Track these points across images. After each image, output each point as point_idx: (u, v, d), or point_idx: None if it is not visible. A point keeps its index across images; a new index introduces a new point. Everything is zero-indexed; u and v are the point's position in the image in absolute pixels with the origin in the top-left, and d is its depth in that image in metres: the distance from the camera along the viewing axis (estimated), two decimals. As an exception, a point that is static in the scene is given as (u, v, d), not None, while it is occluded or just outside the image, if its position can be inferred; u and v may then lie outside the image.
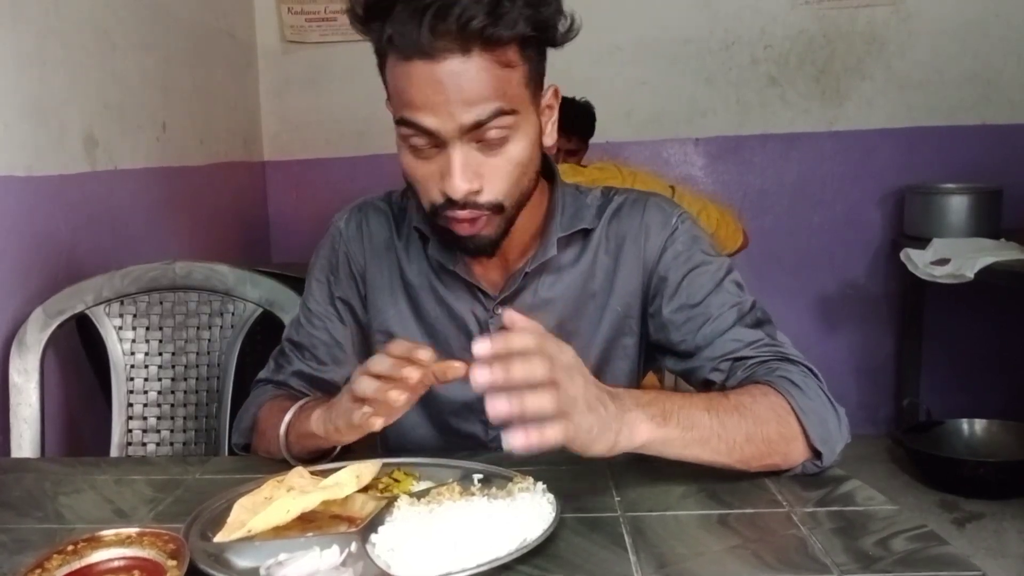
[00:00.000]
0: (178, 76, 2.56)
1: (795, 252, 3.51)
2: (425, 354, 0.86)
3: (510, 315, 0.79)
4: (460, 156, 0.95)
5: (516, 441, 0.74)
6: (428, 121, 0.94)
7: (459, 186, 0.95)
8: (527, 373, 0.74)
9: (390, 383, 0.86)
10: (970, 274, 2.68)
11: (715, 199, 2.81)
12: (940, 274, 2.79)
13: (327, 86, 3.40)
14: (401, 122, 0.97)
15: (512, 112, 0.96)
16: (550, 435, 0.75)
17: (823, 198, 3.49)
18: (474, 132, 0.95)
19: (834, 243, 3.50)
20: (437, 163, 0.97)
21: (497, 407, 0.73)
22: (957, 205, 3.10)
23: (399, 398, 0.86)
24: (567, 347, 0.80)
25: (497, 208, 1.00)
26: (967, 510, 2.84)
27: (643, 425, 0.85)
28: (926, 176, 3.29)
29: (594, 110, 2.82)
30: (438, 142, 0.96)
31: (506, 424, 0.74)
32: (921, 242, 3.03)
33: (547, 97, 1.04)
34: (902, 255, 3.00)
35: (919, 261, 2.89)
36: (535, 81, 1.00)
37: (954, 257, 2.79)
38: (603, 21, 3.19)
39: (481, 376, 0.74)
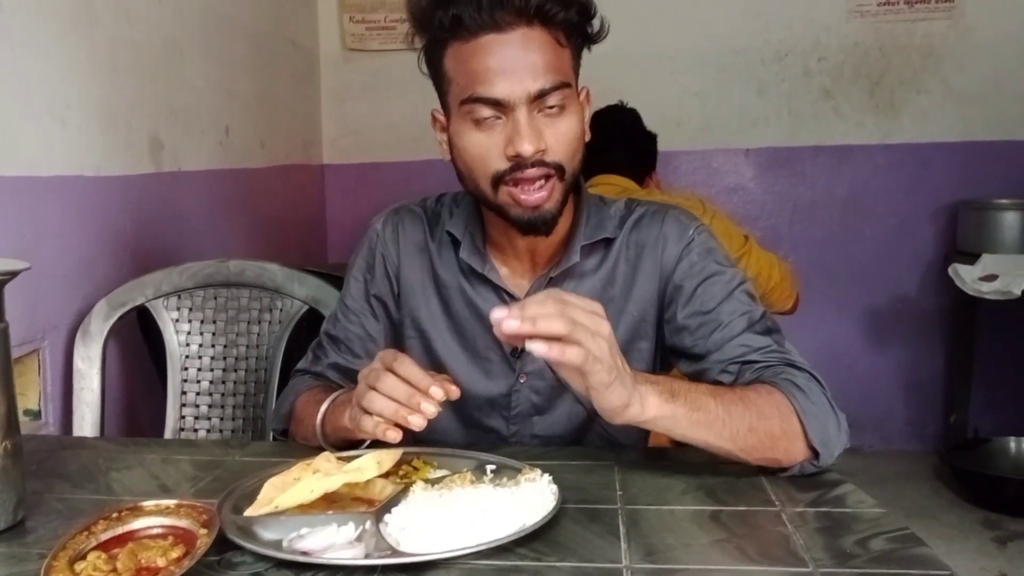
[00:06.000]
0: (242, 82, 2.68)
1: (846, 265, 3.50)
2: (438, 393, 0.96)
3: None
4: (527, 118, 1.05)
5: (538, 347, 0.83)
6: (498, 89, 1.04)
7: (527, 143, 1.04)
8: (548, 328, 0.82)
9: (399, 407, 0.96)
10: (1017, 291, 2.67)
11: (783, 258, 2.41)
12: (988, 290, 2.77)
13: (385, 93, 3.50)
14: (468, 100, 1.06)
15: (568, 85, 1.07)
16: (570, 354, 0.83)
17: (875, 211, 3.48)
18: (538, 101, 1.05)
19: (885, 257, 3.49)
20: (502, 132, 1.06)
21: (534, 346, 0.83)
22: (1011, 221, 3.07)
23: (396, 437, 0.96)
24: (600, 317, 0.87)
25: (560, 171, 1.08)
26: (1010, 529, 2.82)
27: (653, 399, 0.93)
28: (981, 191, 3.27)
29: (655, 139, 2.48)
30: (504, 111, 1.05)
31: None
32: (974, 258, 3.01)
33: (583, 95, 1.14)
34: (950, 270, 2.98)
35: (967, 277, 2.88)
36: (576, 71, 1.11)
37: (1002, 274, 2.77)
38: (653, 30, 3.21)
39: (508, 326, 0.82)
